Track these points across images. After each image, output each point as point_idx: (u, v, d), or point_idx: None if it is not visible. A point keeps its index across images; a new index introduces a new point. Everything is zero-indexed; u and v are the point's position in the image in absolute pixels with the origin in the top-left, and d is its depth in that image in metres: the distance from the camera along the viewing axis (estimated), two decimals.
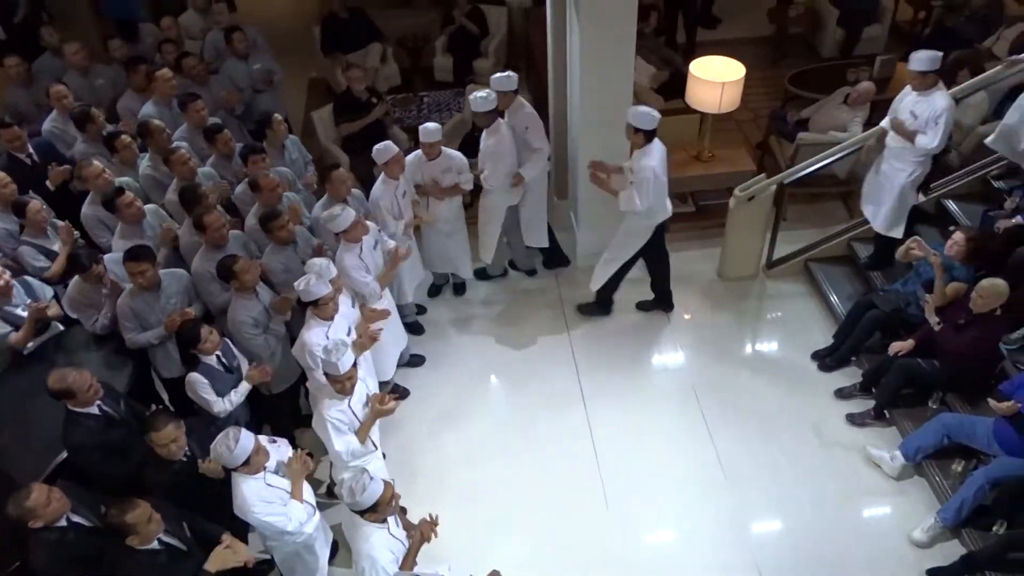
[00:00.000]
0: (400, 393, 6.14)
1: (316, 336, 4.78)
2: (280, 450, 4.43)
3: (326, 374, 4.39)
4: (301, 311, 4.97)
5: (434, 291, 7.15)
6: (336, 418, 4.43)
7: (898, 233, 6.24)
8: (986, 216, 6.26)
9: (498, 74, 6.16)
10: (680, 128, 7.47)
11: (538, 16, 7.60)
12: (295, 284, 4.77)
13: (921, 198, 6.63)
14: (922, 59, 5.75)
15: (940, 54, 5.82)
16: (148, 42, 7.96)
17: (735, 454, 5.72)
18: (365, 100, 7.45)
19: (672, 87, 8.18)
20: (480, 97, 5.96)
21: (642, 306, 6.85)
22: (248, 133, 7.25)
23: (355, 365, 4.39)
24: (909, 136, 5.87)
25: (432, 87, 9.05)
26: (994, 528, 4.86)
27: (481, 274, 7.19)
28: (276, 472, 4.26)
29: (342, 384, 4.37)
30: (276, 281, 5.34)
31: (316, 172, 6.58)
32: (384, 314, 5.38)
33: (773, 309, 6.86)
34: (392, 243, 5.69)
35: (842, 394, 6.02)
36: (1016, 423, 4.78)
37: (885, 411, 5.75)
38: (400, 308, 6.20)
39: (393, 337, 5.93)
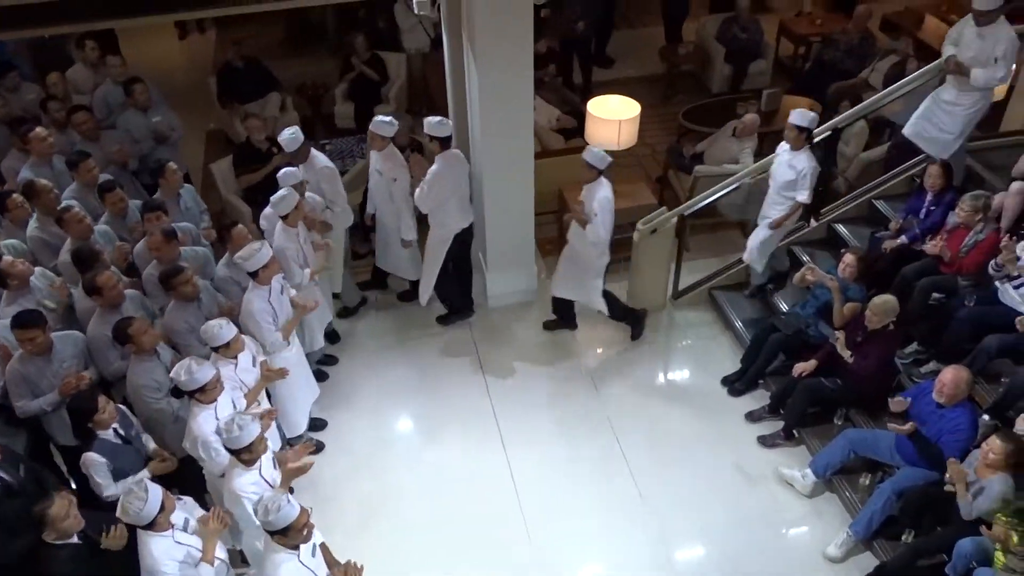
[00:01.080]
0: (316, 446, 5.97)
1: (206, 424, 4.48)
2: (187, 506, 4.25)
3: (229, 450, 4.19)
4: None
5: (342, 317, 7.12)
6: (251, 491, 4.21)
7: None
8: (874, 237, 6.58)
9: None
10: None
11: (437, 61, 7.69)
12: (171, 374, 4.51)
13: (814, 223, 6.96)
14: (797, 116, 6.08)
15: (815, 115, 6.15)
16: (30, 99, 7.66)
17: (653, 482, 5.78)
18: (265, 150, 7.36)
19: (574, 128, 8.36)
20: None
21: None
22: (143, 187, 7.04)
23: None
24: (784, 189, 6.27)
25: (334, 135, 8.99)
26: (903, 537, 5.03)
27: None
28: (185, 529, 4.05)
29: (251, 453, 4.18)
30: (179, 341, 5.16)
31: (212, 223, 6.43)
32: (282, 373, 5.22)
33: (682, 338, 7.02)
34: (294, 292, 5.59)
35: (752, 417, 6.17)
36: (914, 437, 4.98)
37: (794, 431, 5.92)
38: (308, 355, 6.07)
39: (304, 388, 5.79)
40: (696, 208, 6.80)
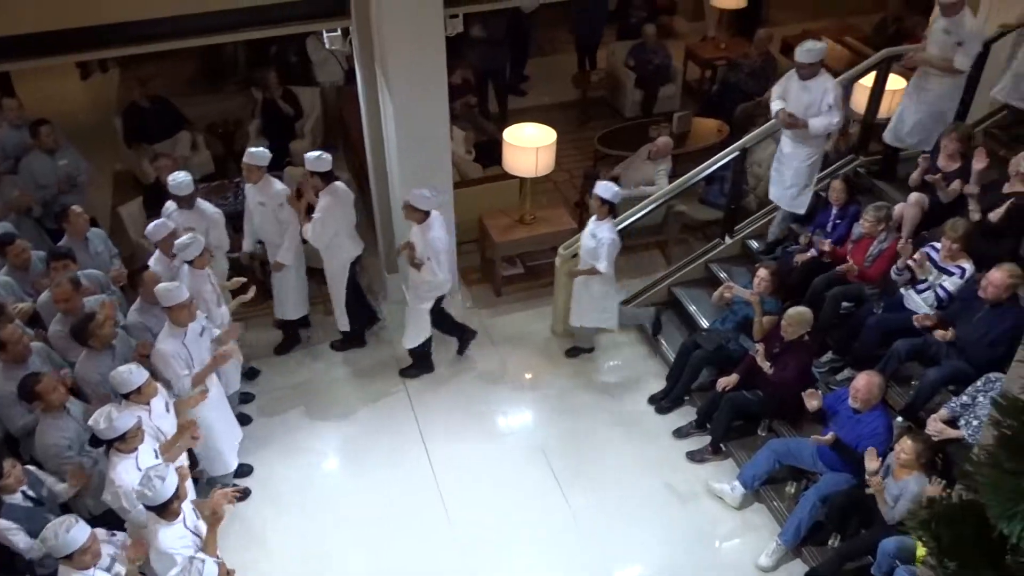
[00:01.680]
0: (242, 492, 5.80)
1: (126, 473, 4.29)
2: (116, 540, 4.13)
3: (148, 507, 4.01)
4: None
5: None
6: (178, 547, 4.03)
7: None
8: (785, 252, 6.80)
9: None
10: (501, 194, 7.70)
11: (351, 94, 7.67)
12: (90, 422, 4.31)
13: (728, 240, 7.16)
14: None
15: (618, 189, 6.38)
16: None
17: (587, 505, 5.80)
18: None
19: (489, 155, 8.43)
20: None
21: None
22: (48, 234, 6.78)
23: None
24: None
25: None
26: (830, 542, 5.17)
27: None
28: (108, 570, 3.90)
29: (171, 508, 4.01)
30: (92, 393, 4.96)
31: (123, 267, 6.24)
32: (200, 397, 5.06)
33: (608, 359, 7.09)
34: (218, 331, 5.45)
35: (680, 434, 6.26)
36: (835, 447, 5.14)
37: (721, 445, 6.03)
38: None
39: (227, 429, 5.63)
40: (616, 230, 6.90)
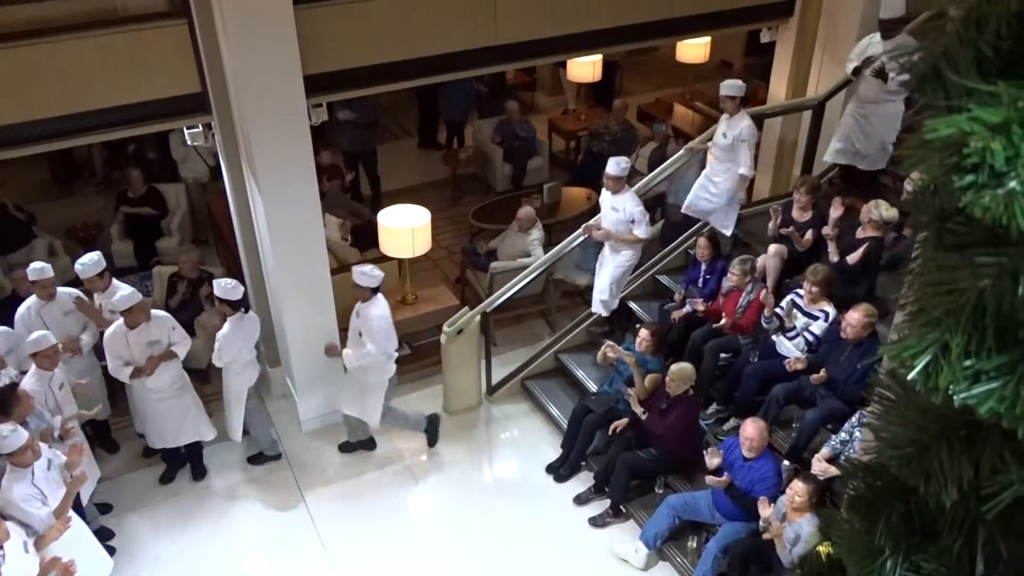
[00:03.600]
0: None
1: None
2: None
3: None
4: None
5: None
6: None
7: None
8: (662, 310, 7.03)
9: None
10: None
11: (218, 188, 7.52)
12: None
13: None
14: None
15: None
16: None
17: None
18: None
19: (366, 238, 8.40)
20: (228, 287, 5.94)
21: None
22: None
23: None
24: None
25: (113, 275, 8.45)
26: None
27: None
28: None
29: None
30: None
31: None
32: (62, 525, 4.68)
33: (502, 432, 7.07)
34: (64, 458, 5.01)
35: (580, 500, 6.27)
36: (729, 492, 5.26)
37: (621, 507, 6.06)
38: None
39: (94, 562, 5.18)
40: (497, 304, 6.98)
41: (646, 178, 7.62)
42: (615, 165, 6.54)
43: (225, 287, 5.91)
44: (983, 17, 1.17)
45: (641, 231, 6.61)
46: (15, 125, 5.48)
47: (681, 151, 7.61)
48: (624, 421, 6.02)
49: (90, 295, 6.30)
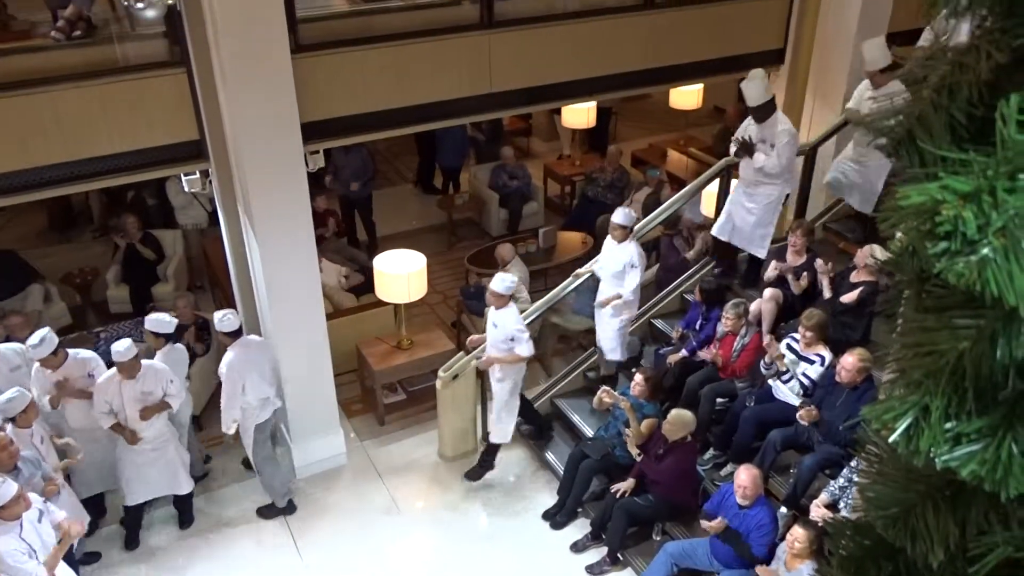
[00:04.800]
0: None
1: None
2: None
3: None
4: None
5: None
6: None
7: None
8: (657, 354, 7.02)
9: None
10: (376, 321, 7.68)
11: (215, 234, 7.56)
12: None
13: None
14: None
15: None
16: None
17: None
18: None
19: (363, 284, 8.42)
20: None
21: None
22: None
23: None
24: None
25: (108, 321, 8.47)
26: None
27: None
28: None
29: None
30: None
31: None
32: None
33: (498, 478, 7.00)
34: (62, 514, 4.97)
35: (577, 547, 6.20)
36: (725, 538, 5.21)
37: (618, 554, 6.00)
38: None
39: None
40: None
41: (642, 222, 7.66)
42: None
43: (156, 320, 6.04)
44: (955, 84, 1.19)
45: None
46: (15, 172, 5.53)
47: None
48: (630, 483, 5.94)
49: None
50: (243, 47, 5.33)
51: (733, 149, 6.79)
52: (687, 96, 10.74)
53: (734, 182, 7.35)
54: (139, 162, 5.90)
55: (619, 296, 6.68)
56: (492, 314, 6.39)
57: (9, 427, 5.20)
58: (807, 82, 7.73)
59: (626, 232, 6.63)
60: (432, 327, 8.18)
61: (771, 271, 6.60)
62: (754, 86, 6.45)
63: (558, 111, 11.03)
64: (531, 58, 6.59)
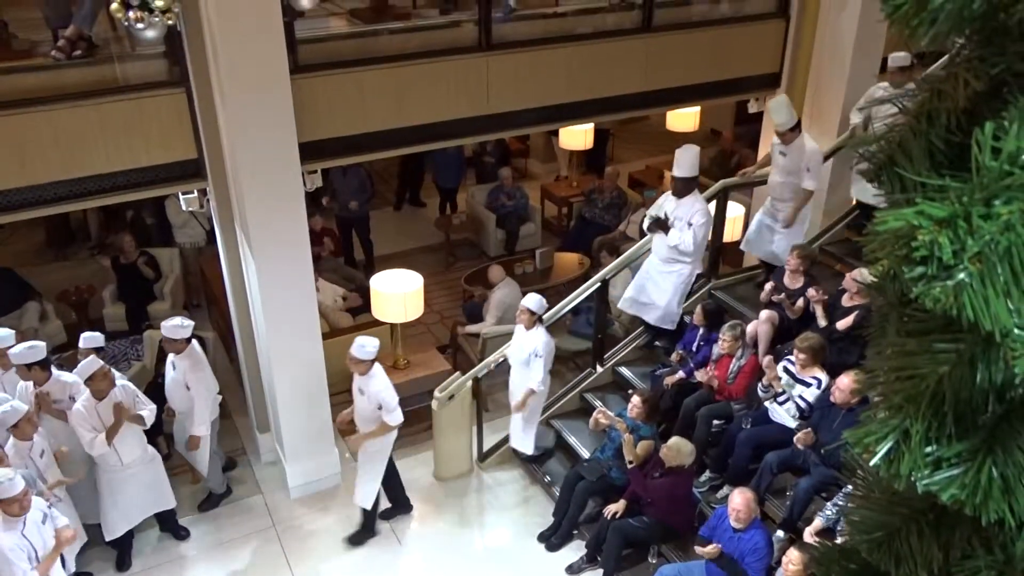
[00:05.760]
0: None
1: None
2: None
3: None
4: None
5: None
6: None
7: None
8: (654, 375, 7.01)
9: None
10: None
11: (212, 253, 7.57)
12: None
13: (600, 369, 7.34)
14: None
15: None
16: None
17: None
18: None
19: (359, 304, 8.43)
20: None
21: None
22: None
23: None
24: None
25: (106, 338, 8.45)
26: None
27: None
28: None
29: None
30: None
31: None
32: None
33: (494, 499, 6.98)
34: (64, 520, 5.01)
35: (572, 570, 6.16)
36: (722, 563, 5.18)
37: None
38: None
39: None
40: (490, 368, 6.96)
41: (635, 245, 7.68)
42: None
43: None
44: (934, 111, 1.21)
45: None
46: (14, 190, 5.55)
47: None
48: (621, 505, 5.93)
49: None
50: (242, 67, 5.37)
51: (646, 224, 6.88)
52: (684, 119, 10.80)
53: (730, 203, 7.42)
54: (138, 180, 5.91)
55: (532, 391, 6.54)
56: (358, 380, 6.10)
57: (11, 439, 5.18)
58: (803, 106, 7.78)
59: (534, 318, 6.44)
60: (428, 347, 8.17)
61: (766, 293, 6.61)
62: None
63: (556, 132, 11.09)
64: (529, 80, 6.63)
